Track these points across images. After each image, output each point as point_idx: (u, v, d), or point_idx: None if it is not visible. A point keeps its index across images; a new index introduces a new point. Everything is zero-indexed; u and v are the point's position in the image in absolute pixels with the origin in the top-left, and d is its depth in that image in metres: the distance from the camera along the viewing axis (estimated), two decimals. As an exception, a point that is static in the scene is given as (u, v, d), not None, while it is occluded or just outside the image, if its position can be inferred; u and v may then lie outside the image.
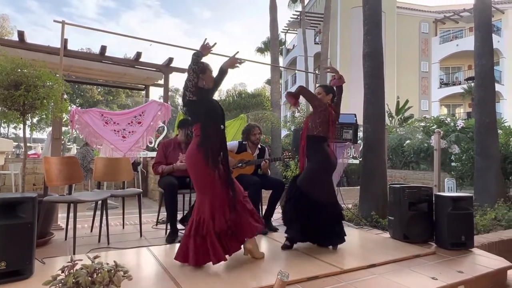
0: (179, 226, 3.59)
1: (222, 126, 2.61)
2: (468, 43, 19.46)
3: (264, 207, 3.90)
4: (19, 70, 3.01)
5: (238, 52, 2.78)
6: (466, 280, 2.43)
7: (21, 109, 3.03)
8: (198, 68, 2.50)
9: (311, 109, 3.26)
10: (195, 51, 2.56)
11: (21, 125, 3.20)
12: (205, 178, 2.46)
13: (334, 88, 3.24)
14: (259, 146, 4.13)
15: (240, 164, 3.85)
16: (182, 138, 3.80)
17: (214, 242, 2.36)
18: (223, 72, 2.74)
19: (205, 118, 2.51)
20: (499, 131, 6.66)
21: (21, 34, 6.31)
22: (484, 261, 2.86)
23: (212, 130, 2.51)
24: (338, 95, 3.24)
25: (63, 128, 5.90)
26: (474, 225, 3.49)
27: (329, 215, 2.96)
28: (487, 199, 5.34)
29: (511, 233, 4.02)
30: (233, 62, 2.73)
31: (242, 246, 2.56)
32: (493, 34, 6.38)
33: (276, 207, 3.83)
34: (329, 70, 3.43)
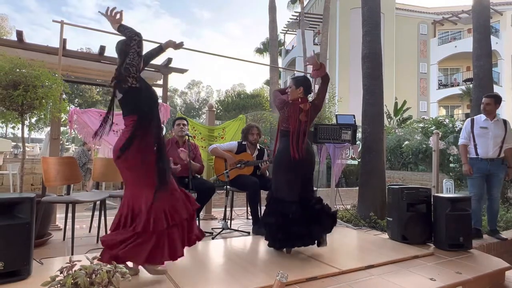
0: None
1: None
2: (466, 44, 19.49)
3: (263, 208, 3.89)
4: (18, 70, 3.01)
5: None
6: (465, 281, 2.44)
7: (19, 109, 3.03)
8: (141, 52, 2.31)
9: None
10: (137, 33, 2.30)
11: (20, 125, 3.20)
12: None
13: (312, 79, 3.05)
14: (258, 147, 4.14)
15: (239, 165, 3.85)
16: (178, 134, 3.81)
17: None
18: (160, 50, 2.59)
19: (147, 108, 2.30)
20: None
21: (19, 33, 6.28)
22: (483, 262, 2.87)
23: (152, 123, 2.30)
24: (323, 84, 2.98)
25: (62, 128, 5.89)
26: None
27: (303, 214, 2.77)
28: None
29: (509, 234, 4.04)
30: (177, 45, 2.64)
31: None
32: (491, 36, 6.39)
33: None
34: (308, 63, 3.05)
